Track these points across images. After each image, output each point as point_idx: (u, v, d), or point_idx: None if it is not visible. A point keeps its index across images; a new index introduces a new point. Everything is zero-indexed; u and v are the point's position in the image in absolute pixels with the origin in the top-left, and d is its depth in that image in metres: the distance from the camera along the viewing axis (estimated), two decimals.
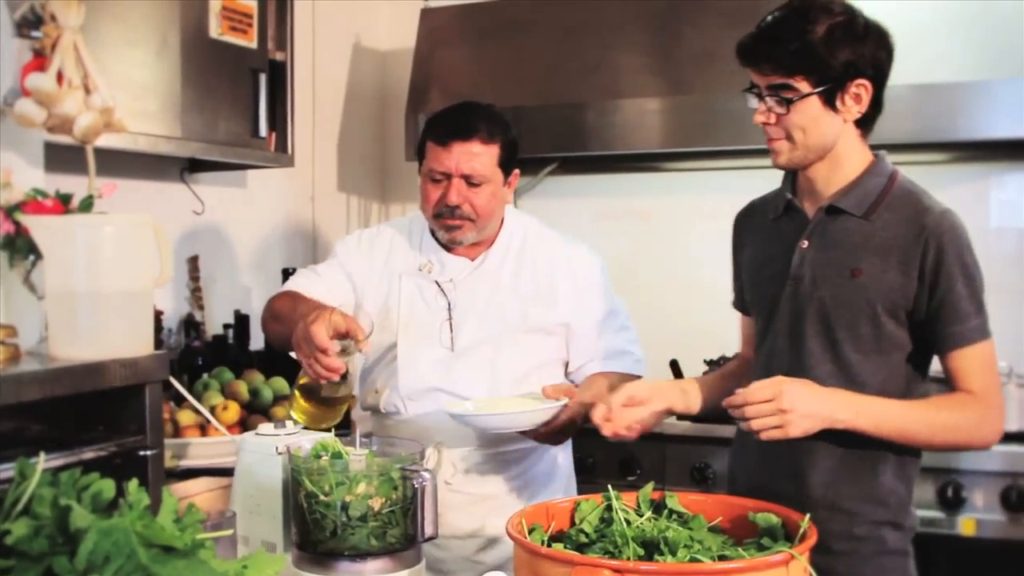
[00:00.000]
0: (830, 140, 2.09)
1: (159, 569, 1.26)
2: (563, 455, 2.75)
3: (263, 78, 3.44)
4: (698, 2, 3.90)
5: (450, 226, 2.54)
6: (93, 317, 2.07)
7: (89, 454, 2.00)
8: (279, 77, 3.55)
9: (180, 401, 3.05)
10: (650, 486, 1.83)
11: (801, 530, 1.64)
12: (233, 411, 3.08)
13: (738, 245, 2.40)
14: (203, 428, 3.01)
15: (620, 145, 4.06)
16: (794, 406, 1.93)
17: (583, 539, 1.70)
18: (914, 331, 2.07)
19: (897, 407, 2.04)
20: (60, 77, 2.23)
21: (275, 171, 3.89)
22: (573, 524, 1.77)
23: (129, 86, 2.90)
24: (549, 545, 1.67)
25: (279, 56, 3.54)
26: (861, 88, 2.05)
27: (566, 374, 2.68)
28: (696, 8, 3.89)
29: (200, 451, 2.89)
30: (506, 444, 2.58)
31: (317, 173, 4.40)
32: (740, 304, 2.42)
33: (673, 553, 1.58)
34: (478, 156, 2.50)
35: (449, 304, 2.60)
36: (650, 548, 1.61)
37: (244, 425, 3.07)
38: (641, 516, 1.75)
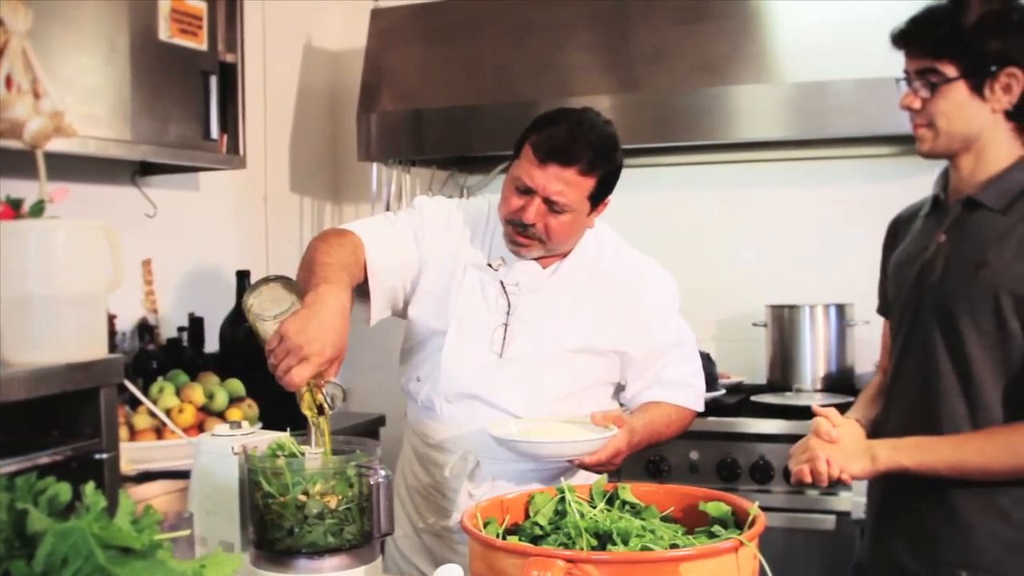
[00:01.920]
0: (975, 130, 2.06)
1: (117, 570, 1.27)
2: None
3: (214, 80, 3.43)
4: (647, 1, 3.93)
5: (518, 241, 2.39)
6: (46, 322, 2.07)
7: (45, 459, 2.00)
8: (230, 79, 3.54)
9: (135, 405, 3.05)
10: (603, 478, 1.86)
11: (750, 517, 1.67)
12: (189, 414, 3.08)
13: (888, 248, 2.37)
14: (159, 431, 3.01)
15: None
16: (830, 452, 2.06)
17: (538, 531, 1.71)
18: None
19: (940, 440, 2.04)
20: (9, 82, 2.22)
21: (227, 173, 3.88)
22: (528, 517, 1.78)
23: (78, 90, 2.89)
24: (504, 538, 1.68)
25: (229, 58, 3.54)
26: (1012, 78, 2.02)
27: (618, 397, 2.60)
28: (645, 7, 3.92)
29: (156, 454, 2.89)
30: (543, 468, 2.45)
31: (269, 174, 4.40)
32: (883, 308, 2.39)
33: (625, 543, 1.60)
34: (570, 185, 2.31)
35: (509, 308, 2.45)
36: (603, 539, 1.64)
37: (200, 428, 3.07)
38: (594, 508, 1.77)
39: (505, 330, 2.44)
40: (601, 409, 2.38)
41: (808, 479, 2.09)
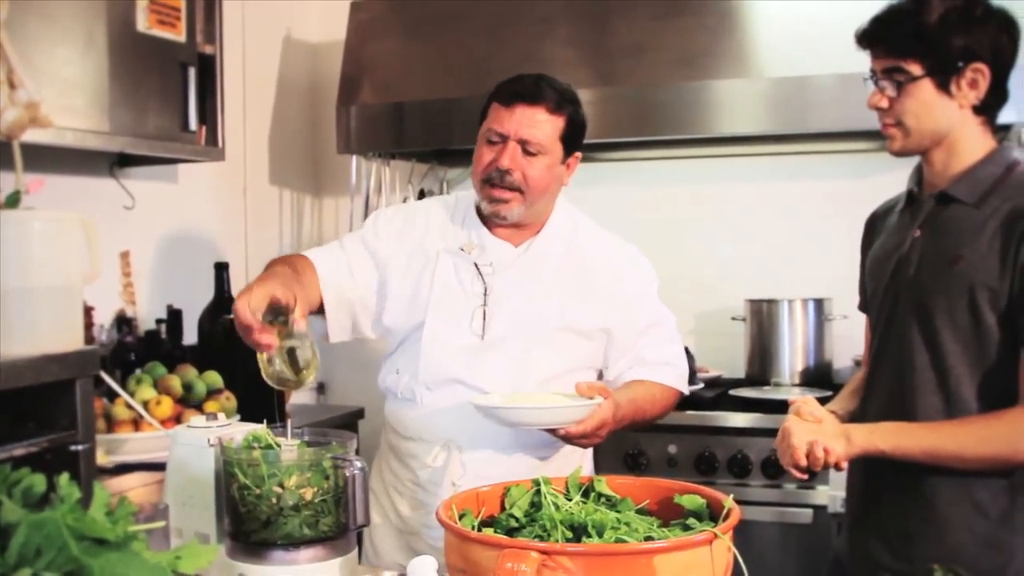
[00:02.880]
0: (944, 126, 2.07)
1: (91, 561, 1.27)
2: (588, 463, 2.66)
3: (192, 72, 3.42)
4: None
5: (496, 198, 2.41)
6: (22, 313, 2.06)
7: (20, 450, 1.99)
8: (208, 70, 3.53)
9: (113, 397, 3.04)
10: (579, 470, 1.86)
11: (725, 510, 1.68)
12: (167, 406, 3.07)
13: (866, 244, 2.38)
14: (137, 423, 3.00)
15: None
16: (821, 433, 2.07)
17: (513, 524, 1.72)
18: (1004, 326, 2.01)
19: (916, 425, 2.06)
20: None
21: (206, 165, 3.87)
22: (503, 509, 1.79)
23: (56, 81, 2.88)
24: (479, 530, 1.69)
25: (208, 49, 3.52)
26: (978, 73, 2.03)
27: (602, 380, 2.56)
28: (624, 2, 3.92)
29: (134, 446, 2.88)
30: (526, 449, 2.45)
31: (249, 167, 4.39)
32: (864, 304, 2.39)
33: (600, 535, 1.61)
34: (540, 124, 2.38)
35: (486, 289, 2.46)
36: (578, 531, 1.64)
37: (178, 420, 3.06)
38: (570, 500, 1.78)
39: (484, 312, 2.44)
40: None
41: (803, 462, 2.09)
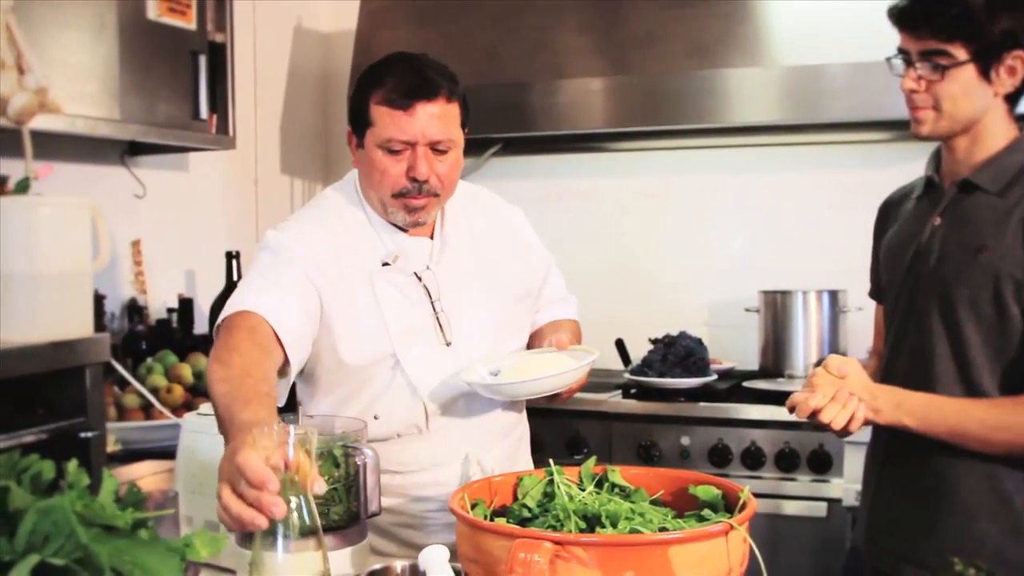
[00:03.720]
0: (979, 112, 2.04)
1: (99, 548, 1.25)
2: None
3: (203, 60, 3.41)
4: None
5: (414, 207, 2.16)
6: (31, 300, 2.06)
7: (29, 437, 1.99)
8: (219, 59, 3.52)
9: (124, 385, 3.04)
10: (592, 460, 1.84)
11: (740, 501, 1.66)
12: (177, 394, 3.07)
13: (879, 231, 2.34)
14: (147, 411, 3.00)
15: (564, 125, 4.07)
16: (855, 389, 1.99)
17: (526, 514, 1.71)
18: None
19: (945, 400, 2.01)
20: None
21: (217, 154, 3.87)
22: (516, 499, 1.77)
23: (67, 68, 2.86)
24: (492, 520, 1.67)
25: (219, 38, 3.51)
26: (1017, 60, 2.00)
27: None
28: None
29: (144, 434, 2.88)
30: (515, 428, 2.35)
31: (260, 155, 4.38)
32: (875, 292, 2.37)
33: (614, 526, 1.59)
34: (444, 118, 2.10)
35: (430, 295, 2.22)
36: (592, 522, 1.63)
37: (189, 408, 3.06)
38: (583, 490, 1.76)
39: (438, 317, 2.22)
40: None
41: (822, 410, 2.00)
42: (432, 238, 2.27)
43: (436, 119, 2.10)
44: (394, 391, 2.18)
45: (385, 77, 2.13)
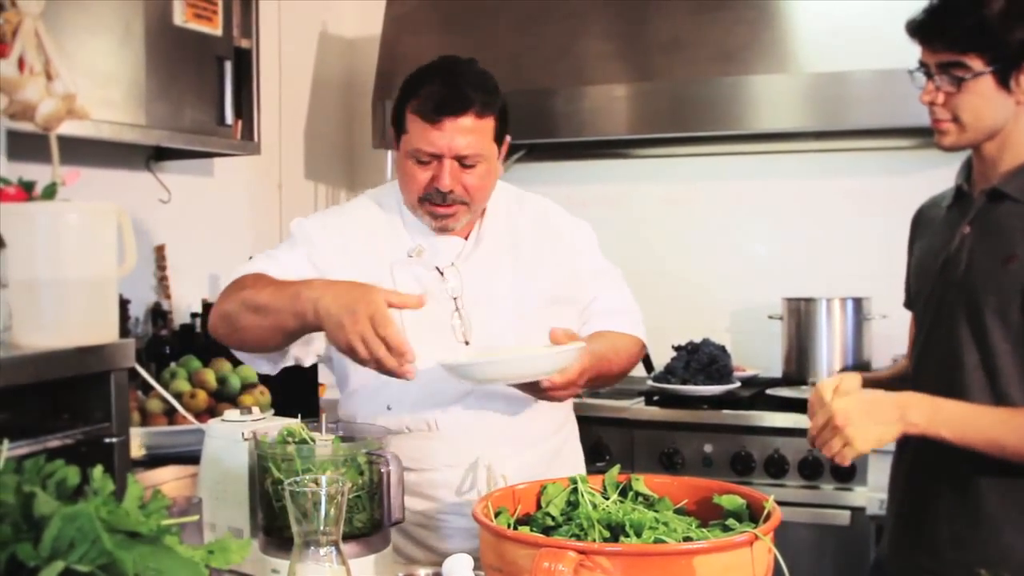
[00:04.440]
0: (1001, 122, 2.02)
1: (123, 554, 1.26)
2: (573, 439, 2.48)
3: (228, 65, 3.42)
4: None
5: (440, 214, 2.20)
6: (57, 305, 2.05)
7: (54, 442, 1.98)
8: (245, 64, 3.53)
9: (148, 390, 3.04)
10: (616, 469, 1.83)
11: (765, 511, 1.65)
12: (201, 399, 3.07)
13: (912, 240, 2.32)
14: (171, 417, 3.01)
15: (588, 131, 4.07)
16: (849, 420, 1.89)
17: (549, 522, 1.70)
18: None
19: (982, 411, 1.96)
20: (21, 64, 2.21)
21: (242, 159, 3.88)
22: (539, 507, 1.77)
23: (93, 74, 2.88)
24: (515, 528, 1.67)
25: (244, 43, 3.53)
26: None
27: None
28: None
29: (168, 439, 2.88)
30: (551, 436, 2.33)
31: (284, 161, 4.39)
32: (909, 302, 2.33)
33: (638, 535, 1.58)
34: (473, 133, 2.14)
35: (453, 292, 2.25)
36: (616, 531, 1.62)
37: (212, 413, 3.07)
38: (607, 499, 1.75)
39: (460, 315, 2.25)
40: None
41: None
42: (467, 238, 2.30)
43: (464, 134, 2.13)
44: (404, 383, 2.08)
45: (420, 87, 2.17)
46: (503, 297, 2.28)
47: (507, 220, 2.36)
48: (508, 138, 2.27)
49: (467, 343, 2.24)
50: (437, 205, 2.20)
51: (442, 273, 2.26)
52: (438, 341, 2.20)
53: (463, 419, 2.24)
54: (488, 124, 2.17)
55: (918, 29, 2.05)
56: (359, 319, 1.86)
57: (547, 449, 2.33)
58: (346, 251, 2.25)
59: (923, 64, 2.06)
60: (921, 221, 2.33)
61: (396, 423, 2.21)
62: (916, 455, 2.14)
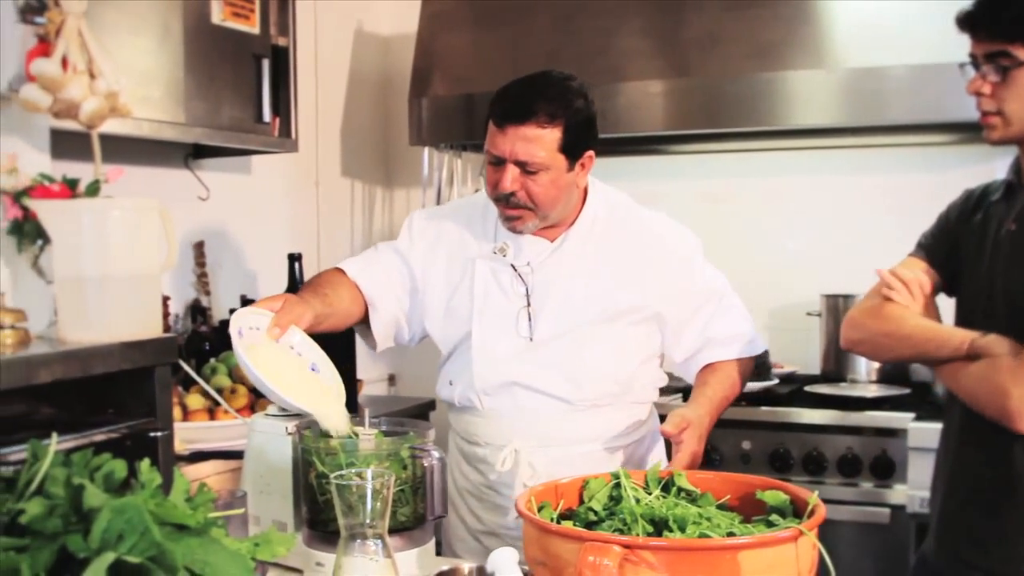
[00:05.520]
0: None
1: (172, 546, 1.27)
2: (657, 450, 2.58)
3: (266, 63, 3.44)
4: None
5: (509, 216, 2.34)
6: (102, 301, 2.08)
7: (100, 436, 2.01)
8: (282, 62, 3.55)
9: (187, 385, 3.06)
10: (659, 464, 1.84)
11: (809, 507, 1.65)
12: (242, 395, 3.09)
13: (961, 211, 2.28)
14: (211, 412, 3.02)
15: (623, 128, 4.05)
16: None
17: (592, 517, 1.71)
18: None
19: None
20: (65, 63, 2.23)
21: (279, 156, 3.90)
22: (582, 502, 1.77)
23: (132, 73, 2.89)
24: (558, 523, 1.67)
25: (281, 41, 3.54)
26: None
27: (668, 367, 2.54)
28: None
29: (209, 435, 2.90)
30: (591, 442, 2.39)
31: (321, 158, 4.41)
32: (928, 251, 2.32)
33: (682, 530, 1.58)
34: (534, 141, 2.24)
35: (527, 290, 2.39)
36: (659, 526, 1.62)
37: (252, 409, 3.08)
38: (650, 494, 1.75)
39: (529, 313, 2.38)
40: (643, 384, 2.45)
41: None
42: (553, 241, 2.42)
43: (524, 142, 2.24)
44: (464, 363, 2.42)
45: (500, 95, 2.32)
46: (570, 303, 2.37)
47: (603, 229, 2.43)
48: (590, 152, 2.35)
49: (531, 339, 2.38)
50: (504, 207, 2.33)
51: (517, 271, 2.40)
52: (503, 336, 2.39)
53: (506, 404, 2.39)
54: (553, 134, 2.25)
55: (967, 20, 2.04)
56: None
57: (593, 450, 2.39)
58: (435, 246, 2.50)
59: (972, 56, 2.06)
60: (970, 203, 2.28)
61: (457, 396, 2.46)
62: (960, 451, 2.13)
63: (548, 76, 2.34)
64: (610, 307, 2.37)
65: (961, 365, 2.01)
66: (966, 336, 2.02)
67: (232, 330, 2.10)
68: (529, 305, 2.38)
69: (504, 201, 2.31)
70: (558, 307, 2.37)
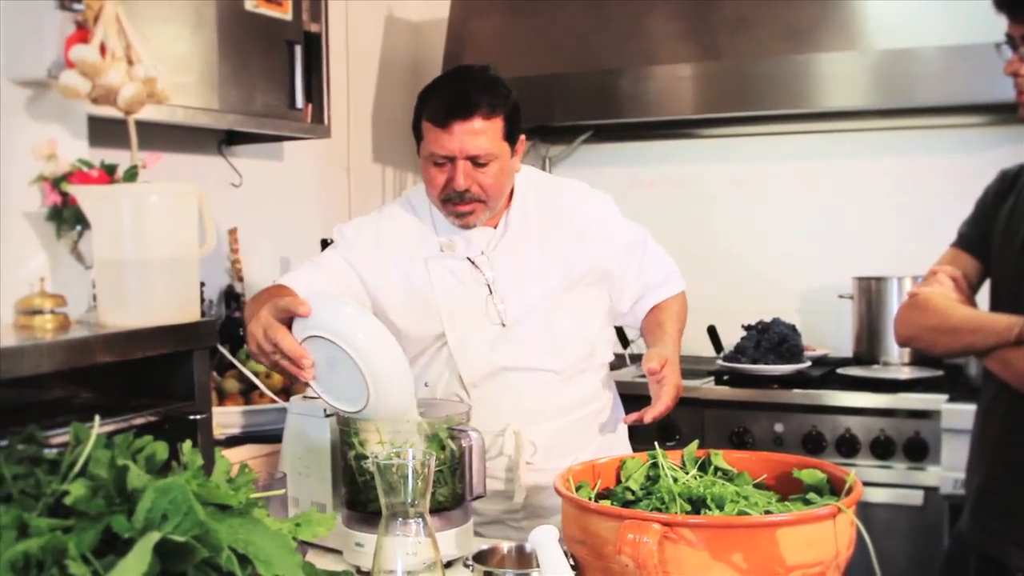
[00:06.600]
0: None
1: (216, 526, 1.28)
2: (619, 410, 2.63)
3: (298, 50, 3.44)
4: None
5: (461, 212, 2.37)
6: (140, 285, 2.10)
7: (140, 420, 2.03)
8: (314, 48, 3.55)
9: (223, 370, 3.08)
10: (695, 444, 1.84)
11: (847, 484, 1.65)
12: (277, 379, 3.10)
13: (997, 194, 2.28)
14: (246, 397, 3.04)
15: (654, 112, 4.06)
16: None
17: (630, 496, 1.72)
18: None
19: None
20: (103, 49, 2.24)
21: (311, 142, 3.91)
22: (619, 482, 1.78)
23: (166, 59, 2.91)
24: (596, 502, 1.68)
25: (314, 27, 3.54)
26: None
27: (617, 319, 2.62)
28: None
29: (245, 419, 2.92)
30: (578, 409, 2.47)
31: (352, 144, 4.42)
32: (965, 239, 2.32)
33: (720, 508, 1.59)
34: (481, 134, 2.29)
35: (487, 279, 2.42)
36: (696, 504, 1.63)
37: (288, 393, 3.10)
38: (687, 473, 1.76)
39: (494, 300, 2.41)
40: (605, 344, 2.53)
41: None
42: (496, 227, 2.46)
43: (473, 136, 2.29)
44: (440, 363, 2.42)
45: (431, 96, 2.36)
46: (531, 280, 2.42)
47: (534, 206, 2.49)
48: (523, 137, 2.42)
49: (503, 325, 2.40)
50: (456, 204, 2.35)
51: (474, 263, 2.42)
52: (477, 328, 2.40)
53: (493, 393, 2.40)
54: (496, 124, 2.31)
55: (1005, 1, 2.03)
56: (254, 332, 1.97)
57: (579, 418, 2.47)
58: (380, 250, 2.45)
59: (1009, 37, 2.04)
60: (1005, 183, 2.28)
61: (429, 396, 2.40)
62: (999, 426, 2.13)
63: (471, 69, 2.41)
64: (567, 275, 2.44)
65: (1009, 350, 2.00)
66: (1012, 322, 2.01)
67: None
68: (492, 293, 2.41)
69: (457, 198, 2.34)
70: (521, 288, 2.42)
